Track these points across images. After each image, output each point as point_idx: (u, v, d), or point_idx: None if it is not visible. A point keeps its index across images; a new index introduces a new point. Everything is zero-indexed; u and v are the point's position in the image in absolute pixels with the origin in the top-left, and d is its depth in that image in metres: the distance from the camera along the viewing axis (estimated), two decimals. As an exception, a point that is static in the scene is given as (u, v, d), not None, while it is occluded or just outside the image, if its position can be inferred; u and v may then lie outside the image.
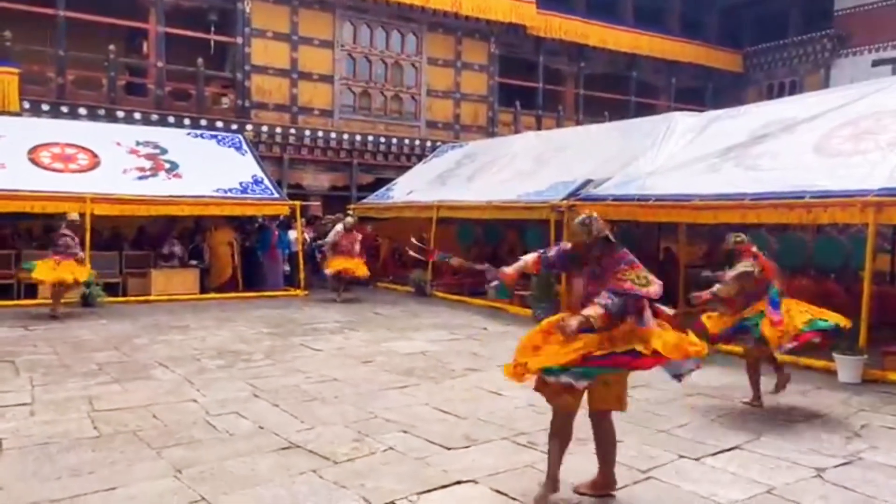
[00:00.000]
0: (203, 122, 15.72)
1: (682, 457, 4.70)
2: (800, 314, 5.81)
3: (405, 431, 5.10)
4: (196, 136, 14.51)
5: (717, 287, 5.81)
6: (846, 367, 6.93)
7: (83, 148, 12.71)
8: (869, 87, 9.74)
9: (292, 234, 14.22)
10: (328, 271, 12.52)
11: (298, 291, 13.31)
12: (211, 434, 5.01)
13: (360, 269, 12.37)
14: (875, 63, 19.99)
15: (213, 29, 16.83)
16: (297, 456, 4.57)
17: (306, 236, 14.52)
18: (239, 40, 16.55)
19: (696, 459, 4.66)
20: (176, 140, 13.86)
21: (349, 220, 12.82)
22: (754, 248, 6.03)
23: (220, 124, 15.91)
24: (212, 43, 16.92)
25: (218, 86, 17.12)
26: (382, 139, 18.01)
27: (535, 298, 10.89)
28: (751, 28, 23.38)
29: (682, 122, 11.57)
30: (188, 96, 16.26)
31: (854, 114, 8.90)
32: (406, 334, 9.40)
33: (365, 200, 16.59)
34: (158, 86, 15.83)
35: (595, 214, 4.00)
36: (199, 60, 15.99)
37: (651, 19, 22.31)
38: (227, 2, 16.56)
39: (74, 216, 10.41)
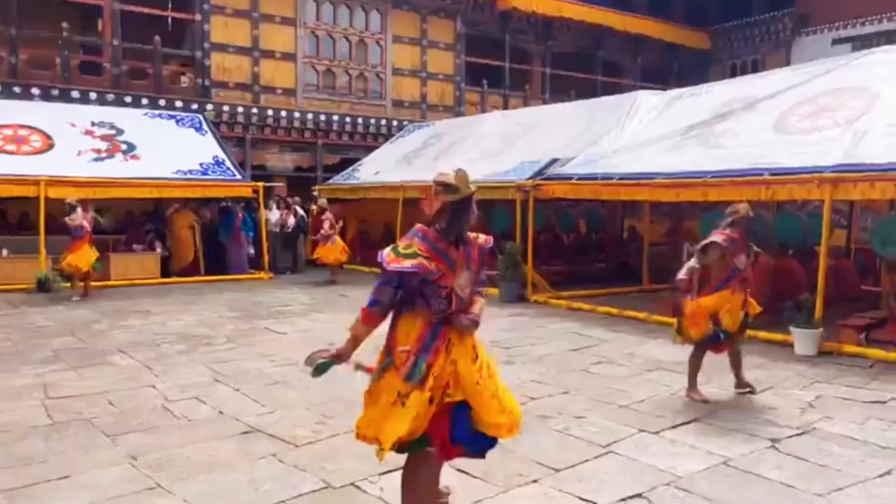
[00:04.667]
0: (161, 102, 15.32)
1: (641, 431, 4.76)
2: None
3: (368, 413, 5.06)
4: (154, 116, 14.15)
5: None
6: (803, 340, 7.09)
7: (36, 129, 12.32)
8: (828, 64, 9.88)
9: (274, 216, 14.03)
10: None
11: (264, 275, 13.15)
12: (169, 420, 4.92)
13: (330, 254, 12.26)
14: (835, 41, 20.30)
15: (170, 5, 16.36)
16: (258, 440, 4.51)
17: (291, 220, 14.34)
18: (197, 17, 16.11)
19: (656, 433, 4.72)
20: (133, 120, 13.51)
21: (320, 201, 12.74)
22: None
23: (179, 104, 15.52)
24: (169, 20, 16.45)
25: (176, 64, 16.67)
26: (348, 119, 17.77)
27: (501, 277, 10.91)
28: (716, 6, 23.52)
29: (646, 101, 11.63)
30: (146, 75, 15.81)
31: (813, 91, 9.04)
32: (372, 315, 9.32)
33: (331, 181, 16.42)
34: (114, 64, 15.37)
35: None
36: (157, 38, 15.55)
37: (618, -3, 22.30)
38: (185, -23, 16.10)
39: (72, 200, 10.27)
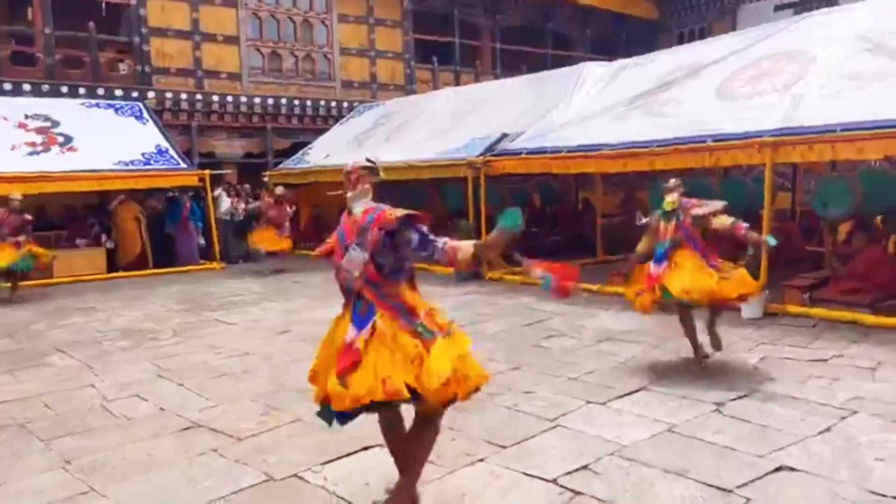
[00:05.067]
0: (100, 91, 14.72)
1: (589, 402, 4.77)
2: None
3: (315, 401, 4.97)
4: (91, 106, 13.60)
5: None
6: (748, 302, 7.18)
7: (-35, 125, 11.74)
8: (768, 29, 9.96)
9: (224, 204, 13.74)
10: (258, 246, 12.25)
11: (215, 265, 12.86)
12: (107, 420, 4.75)
13: (279, 244, 12.04)
14: (777, 8, 20.52)
15: (103, -10, 15.71)
16: (199, 436, 4.39)
17: (240, 206, 14.03)
18: (133, 1, 15.51)
19: (603, 404, 4.74)
20: (69, 111, 12.97)
21: (278, 189, 12.49)
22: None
23: (119, 92, 14.95)
24: (103, 5, 15.78)
25: (114, 51, 16.05)
26: (297, 101, 17.37)
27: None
28: (662, -24, 23.63)
29: (593, 72, 11.61)
30: (81, 64, 15.17)
31: (755, 56, 9.10)
32: (326, 301, 9.03)
33: (281, 166, 16.09)
34: (48, 54, 14.71)
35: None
36: (91, 24, 14.92)
37: (564, -32, 22.20)
38: (117, -40, 15.47)
39: (16, 195, 9.89)
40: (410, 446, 3.14)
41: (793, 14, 18.93)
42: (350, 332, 2.96)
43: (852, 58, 7.80)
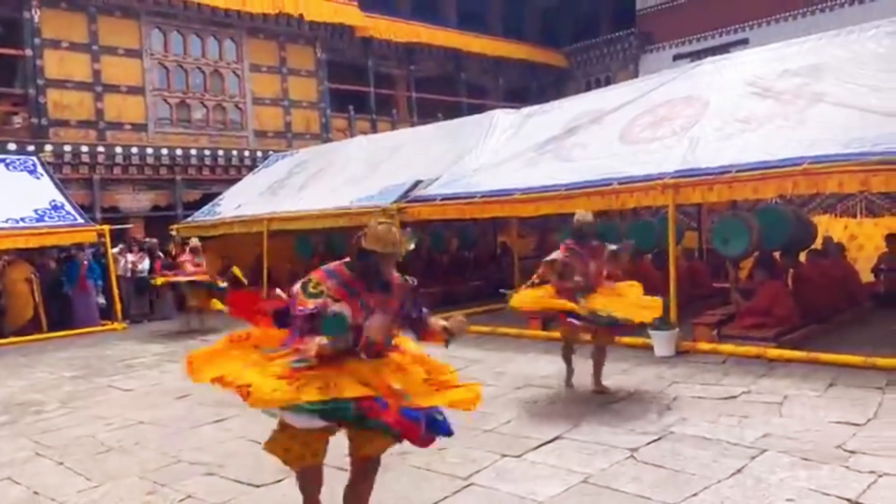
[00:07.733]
0: (-9, 146, 13.87)
1: (504, 456, 4.60)
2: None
3: (211, 473, 4.58)
4: (-23, 162, 12.75)
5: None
6: (660, 341, 7.27)
7: None
8: (662, 77, 10.43)
9: (129, 258, 12.97)
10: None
11: (117, 325, 12.08)
12: (-33, 512, 4.21)
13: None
14: (676, 57, 21.73)
15: (-5, 41, 14.94)
16: (73, 523, 3.93)
17: (144, 263, 13.26)
18: (28, 52, 14.78)
19: (518, 456, 4.57)
20: (-46, 168, 12.10)
21: (193, 240, 11.83)
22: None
23: (12, 146, 14.08)
24: (-5, 57, 15.01)
25: (7, 103, 15.21)
26: (207, 152, 16.87)
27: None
28: (568, 27, 24.68)
29: (503, 120, 11.82)
30: (-30, 117, 14.30)
31: (651, 103, 9.48)
32: (234, 359, 8.70)
33: (190, 218, 15.47)
34: (-68, 107, 13.79)
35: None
36: (-20, 76, 14.14)
37: (474, 22, 22.85)
38: (11, 11, 14.75)
39: None
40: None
41: (690, 62, 20.07)
42: None
43: (743, 102, 8.22)
